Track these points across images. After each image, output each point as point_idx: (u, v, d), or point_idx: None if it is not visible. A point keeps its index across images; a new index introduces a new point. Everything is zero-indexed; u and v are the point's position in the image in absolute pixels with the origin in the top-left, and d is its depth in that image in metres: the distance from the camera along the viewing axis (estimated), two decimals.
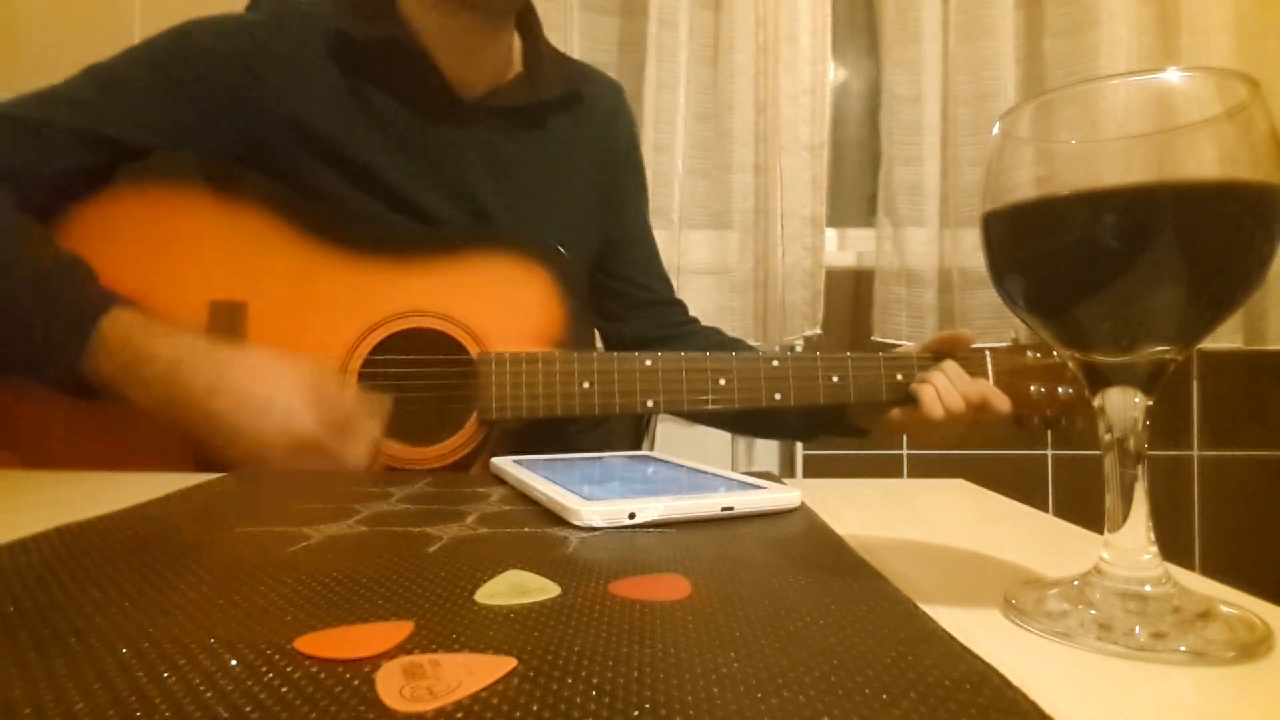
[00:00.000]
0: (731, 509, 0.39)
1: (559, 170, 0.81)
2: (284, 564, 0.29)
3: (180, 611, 0.24)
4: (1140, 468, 0.26)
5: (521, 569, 0.29)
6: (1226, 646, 0.23)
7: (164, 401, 0.57)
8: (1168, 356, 0.26)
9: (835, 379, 0.72)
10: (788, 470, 1.46)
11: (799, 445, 1.44)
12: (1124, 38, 1.35)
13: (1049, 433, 0.88)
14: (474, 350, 0.67)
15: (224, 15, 0.72)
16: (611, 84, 0.90)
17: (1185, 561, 1.35)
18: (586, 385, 0.68)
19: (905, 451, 1.48)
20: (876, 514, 0.43)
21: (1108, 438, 0.27)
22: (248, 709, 0.17)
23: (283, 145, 0.70)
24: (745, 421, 0.94)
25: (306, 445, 0.56)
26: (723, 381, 0.70)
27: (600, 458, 0.57)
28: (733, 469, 0.52)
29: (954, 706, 0.18)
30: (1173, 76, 0.24)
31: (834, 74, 1.50)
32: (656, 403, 0.69)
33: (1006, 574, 0.32)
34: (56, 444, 0.63)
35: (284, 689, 0.18)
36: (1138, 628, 0.24)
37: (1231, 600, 0.27)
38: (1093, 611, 0.25)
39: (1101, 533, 0.28)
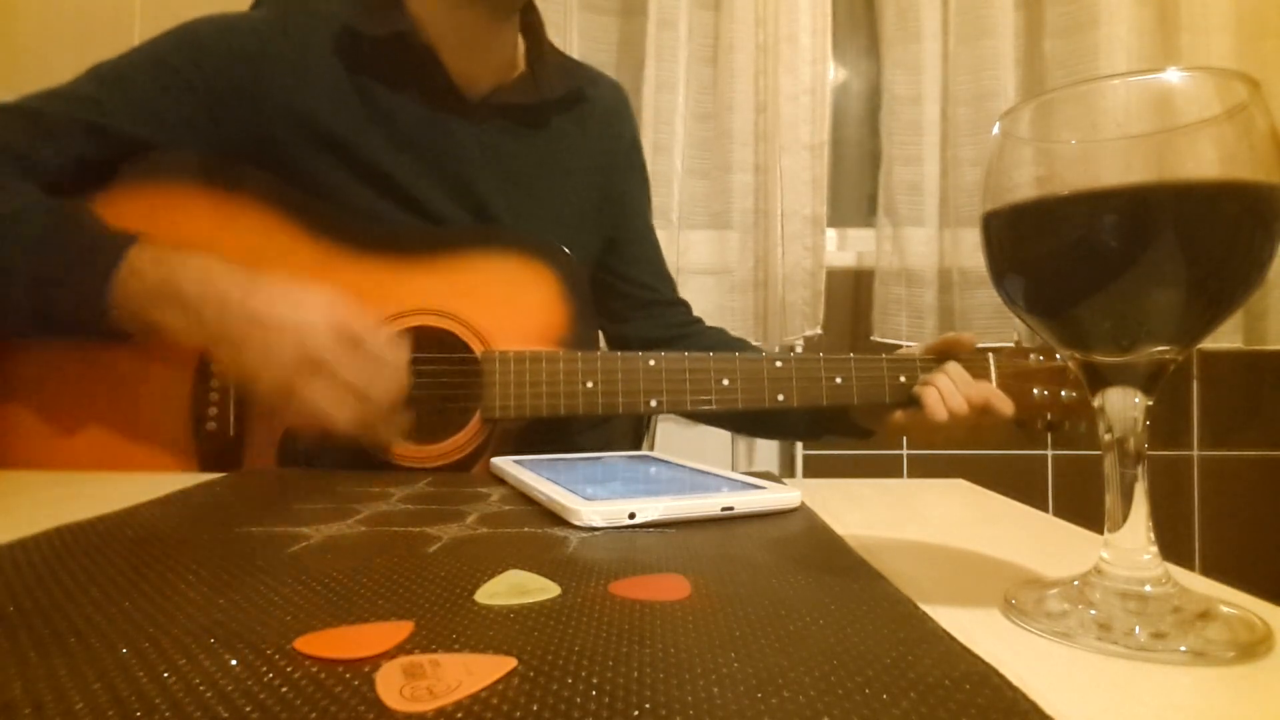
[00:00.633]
0: (731, 509, 0.39)
1: (561, 169, 0.81)
2: (284, 564, 0.29)
3: (180, 612, 0.24)
4: (1140, 468, 0.26)
5: (521, 569, 0.29)
6: (1226, 646, 0.23)
7: (198, 308, 0.56)
8: (1168, 356, 0.26)
9: (838, 380, 0.72)
10: (788, 470, 1.46)
11: (799, 445, 1.44)
12: (1124, 38, 1.35)
13: (1050, 435, 0.88)
14: (478, 349, 0.67)
15: (229, 13, 0.72)
16: (614, 85, 0.90)
17: (1185, 561, 1.35)
18: (590, 384, 0.67)
19: (905, 451, 1.47)
20: (876, 514, 0.43)
21: (1108, 438, 0.27)
22: (248, 709, 0.17)
23: (288, 142, 0.70)
24: (747, 421, 0.94)
25: (341, 342, 0.56)
26: (726, 382, 0.70)
27: (600, 458, 0.57)
28: (733, 469, 0.52)
29: (954, 706, 0.18)
30: (1173, 76, 0.24)
31: (834, 74, 1.49)
32: (659, 403, 0.69)
33: (1006, 574, 0.32)
34: (54, 444, 0.63)
35: (284, 689, 0.18)
36: (1138, 628, 0.24)
37: (1231, 600, 0.27)
38: (1093, 611, 0.25)
39: (1101, 533, 0.28)
